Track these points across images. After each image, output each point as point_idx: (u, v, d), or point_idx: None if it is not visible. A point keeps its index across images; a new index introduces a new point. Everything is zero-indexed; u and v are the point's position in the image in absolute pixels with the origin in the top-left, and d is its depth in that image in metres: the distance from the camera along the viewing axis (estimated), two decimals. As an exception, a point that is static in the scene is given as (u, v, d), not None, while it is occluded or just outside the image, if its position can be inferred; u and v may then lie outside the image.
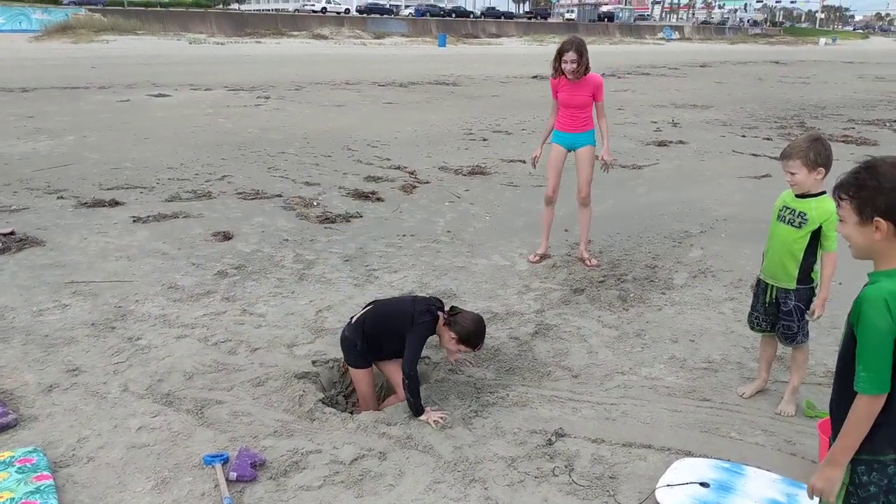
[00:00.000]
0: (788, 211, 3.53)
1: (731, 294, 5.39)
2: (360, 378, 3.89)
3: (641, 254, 6.31)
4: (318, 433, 3.50)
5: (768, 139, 12.72)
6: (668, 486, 2.98)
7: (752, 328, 3.86)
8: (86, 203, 7.53)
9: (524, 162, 10.20)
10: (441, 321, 3.71)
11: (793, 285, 3.57)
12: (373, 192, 8.21)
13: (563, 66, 5.67)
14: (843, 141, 12.53)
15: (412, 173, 9.38)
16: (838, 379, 2.13)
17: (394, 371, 3.80)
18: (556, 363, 4.24)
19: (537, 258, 6.07)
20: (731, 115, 15.85)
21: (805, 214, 3.45)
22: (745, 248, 6.46)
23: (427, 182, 8.92)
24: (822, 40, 67.49)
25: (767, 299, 3.68)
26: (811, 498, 2.13)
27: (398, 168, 9.70)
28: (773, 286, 3.64)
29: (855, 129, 14.01)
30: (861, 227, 2.00)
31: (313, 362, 4.24)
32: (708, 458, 3.28)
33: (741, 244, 6.61)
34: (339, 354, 4.19)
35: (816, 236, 3.45)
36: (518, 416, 3.66)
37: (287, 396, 3.83)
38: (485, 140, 12.09)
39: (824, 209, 3.39)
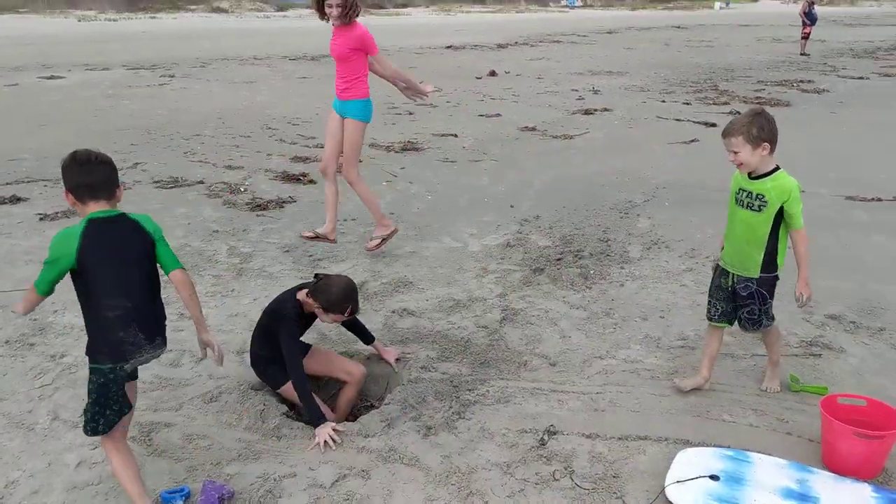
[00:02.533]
0: (745, 194, 3.26)
1: (688, 265, 5.32)
2: (291, 392, 3.47)
3: (591, 227, 6.17)
4: (289, 453, 3.15)
5: (687, 104, 12.91)
6: (677, 482, 2.81)
7: (710, 319, 3.53)
8: (-20, 201, 6.74)
9: (456, 136, 9.93)
10: (304, 295, 3.41)
11: (757, 273, 3.30)
12: (303, 174, 7.73)
13: (328, 10, 5.01)
14: (756, 103, 12.86)
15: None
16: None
17: (320, 361, 3.61)
18: (530, 351, 4.02)
19: (311, 234, 5.68)
20: (646, 81, 16.04)
21: (763, 196, 3.19)
22: (691, 216, 6.43)
23: (359, 161, 8.46)
24: (718, 4, 69.82)
25: (726, 286, 3.42)
26: None
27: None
28: (734, 274, 3.37)
29: (766, 91, 14.44)
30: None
31: (269, 370, 3.85)
32: (707, 446, 3.14)
33: (687, 212, 6.59)
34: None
35: (779, 218, 3.21)
36: (503, 414, 3.42)
37: (246, 412, 3.45)
38: (410, 114, 11.70)
39: (782, 188, 3.16)
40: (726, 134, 3.19)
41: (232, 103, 12.51)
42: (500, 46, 24.07)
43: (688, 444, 3.17)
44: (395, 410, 3.42)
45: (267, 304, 3.72)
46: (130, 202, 6.75)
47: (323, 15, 5.11)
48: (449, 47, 23.71)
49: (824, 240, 5.88)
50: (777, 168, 3.21)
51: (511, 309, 4.53)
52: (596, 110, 12.14)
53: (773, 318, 3.45)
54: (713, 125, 10.72)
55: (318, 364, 3.61)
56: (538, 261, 5.35)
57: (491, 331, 4.24)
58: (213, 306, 4.61)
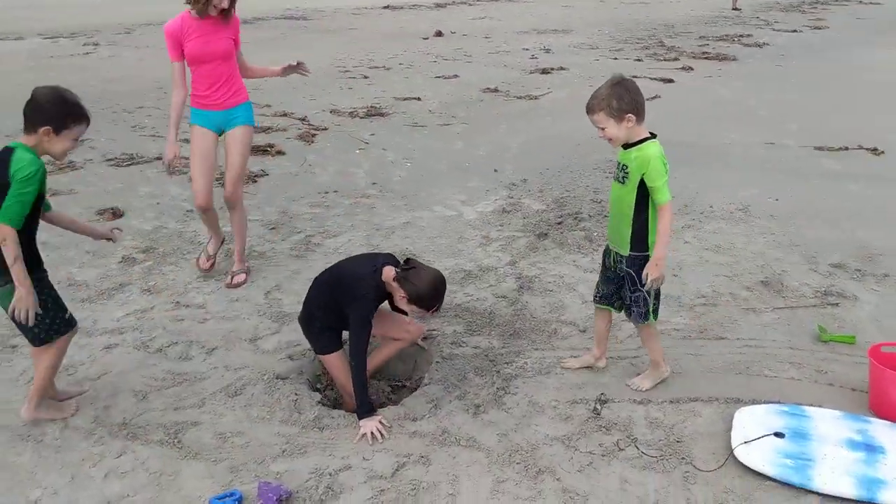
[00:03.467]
0: (618, 166, 3.05)
1: (685, 221, 5.32)
2: (334, 364, 3.33)
3: (580, 188, 6.10)
4: (336, 444, 2.97)
5: (639, 60, 12.94)
6: (744, 442, 2.78)
7: (593, 300, 3.36)
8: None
9: (419, 99, 9.66)
10: (392, 275, 3.08)
11: (626, 251, 3.05)
12: (269, 146, 7.35)
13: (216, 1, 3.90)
14: (704, 58, 13.03)
15: (303, 119, 8.54)
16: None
17: (378, 322, 3.26)
18: (556, 319, 3.94)
19: (209, 264, 4.52)
20: (594, 39, 15.99)
21: (626, 167, 2.95)
22: (675, 172, 6.40)
23: (325, 128, 8.15)
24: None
25: (609, 264, 3.21)
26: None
27: (284, 115, 8.79)
28: (613, 251, 3.15)
29: (710, 46, 14.61)
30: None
31: (290, 357, 3.64)
32: (759, 402, 3.13)
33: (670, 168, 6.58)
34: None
35: (645, 191, 2.92)
36: (548, 385, 3.32)
37: (277, 404, 3.24)
38: (366, 77, 11.32)
39: (643, 158, 2.89)
40: (588, 111, 2.94)
41: (170, 72, 11.80)
42: (439, 6, 23.54)
43: (739, 402, 3.16)
44: (438, 390, 3.28)
45: (337, 267, 3.41)
46: (88, 182, 6.33)
47: (205, 6, 3.91)
48: (387, 7, 23.06)
49: (805, 191, 6.00)
50: (648, 138, 2.94)
51: (525, 277, 4.42)
52: (552, 69, 12.02)
53: (651, 314, 3.12)
54: (670, 81, 10.81)
55: (377, 325, 3.27)
56: (539, 226, 5.25)
57: (511, 300, 4.13)
58: (209, 292, 4.33)
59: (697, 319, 3.89)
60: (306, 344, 3.69)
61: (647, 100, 3.10)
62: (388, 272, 3.10)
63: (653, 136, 2.97)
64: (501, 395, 3.24)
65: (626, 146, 2.98)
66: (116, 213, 5.55)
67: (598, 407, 3.13)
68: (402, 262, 3.18)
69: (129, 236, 5.11)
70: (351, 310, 3.09)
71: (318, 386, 3.59)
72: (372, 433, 2.95)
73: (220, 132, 4.29)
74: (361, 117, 8.73)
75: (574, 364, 3.44)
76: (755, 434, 2.83)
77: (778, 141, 7.55)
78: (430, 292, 3.05)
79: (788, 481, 2.63)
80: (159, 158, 6.99)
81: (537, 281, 4.37)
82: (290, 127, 8.18)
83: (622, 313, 3.28)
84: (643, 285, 3.02)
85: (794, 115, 8.67)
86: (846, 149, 7.19)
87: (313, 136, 7.83)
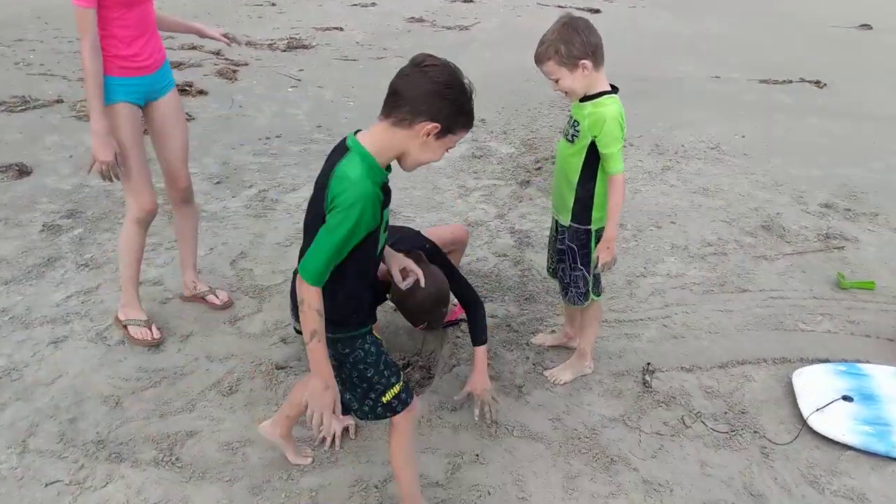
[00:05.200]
0: (569, 120, 2.56)
1: (662, 163, 5.12)
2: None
3: (545, 128, 5.76)
4: (372, 448, 2.56)
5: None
6: (816, 410, 2.62)
7: (547, 270, 3.00)
8: None
9: (342, 29, 8.88)
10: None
11: (566, 220, 2.61)
12: (188, 84, 6.46)
13: None
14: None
15: (217, 53, 7.62)
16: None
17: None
18: (568, 278, 3.63)
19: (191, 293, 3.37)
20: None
21: (578, 123, 2.46)
22: (634, 110, 6.19)
23: (245, 63, 7.31)
24: None
25: (552, 233, 2.81)
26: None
27: (193, 48, 7.81)
28: (554, 219, 2.73)
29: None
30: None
31: (283, 340, 3.15)
32: (805, 360, 3.00)
33: (628, 105, 6.33)
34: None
35: (595, 155, 2.45)
36: (585, 357, 3.03)
37: (285, 400, 2.76)
38: (273, 4, 10.33)
39: (597, 116, 2.39)
40: (536, 61, 2.45)
41: (73, 15, 10.28)
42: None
43: (787, 362, 3.00)
44: (469, 370, 2.91)
45: None
46: (-24, 135, 5.32)
47: None
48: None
49: (768, 126, 5.94)
50: (609, 91, 2.44)
51: (519, 231, 4.08)
52: (472, -3, 11.45)
53: (591, 293, 2.72)
54: (597, 11, 10.53)
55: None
56: (518, 172, 4.88)
57: (514, 259, 3.78)
58: (162, 264, 3.70)
59: (713, 271, 3.70)
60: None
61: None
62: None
63: (614, 89, 2.46)
64: (540, 372, 2.92)
65: (584, 98, 2.47)
66: (23, 171, 4.68)
67: (648, 379, 2.88)
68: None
69: (46, 198, 4.33)
70: None
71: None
72: (332, 437, 2.53)
73: (143, 105, 2.95)
74: (283, 50, 7.91)
75: (547, 341, 3.09)
76: (822, 399, 2.67)
77: (724, 74, 7.47)
78: (419, 307, 2.44)
79: (872, 450, 2.49)
80: (60, 101, 6.02)
81: (533, 235, 4.03)
82: (204, 62, 7.28)
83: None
84: (583, 264, 2.65)
85: (729, 48, 8.65)
86: (790, 81, 7.21)
87: (234, 72, 7.00)
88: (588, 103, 2.44)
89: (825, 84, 7.10)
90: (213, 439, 2.59)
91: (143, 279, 3.53)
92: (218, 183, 4.65)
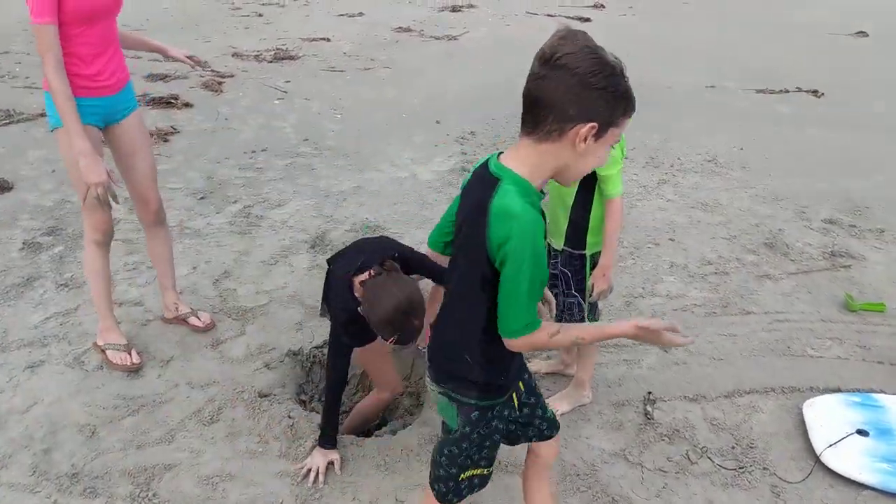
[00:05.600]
0: None
1: (658, 176, 5.00)
2: (361, 358, 2.66)
3: (538, 140, 5.62)
4: (360, 483, 2.41)
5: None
6: (830, 446, 2.49)
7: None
8: None
9: (328, 40, 8.75)
10: (359, 283, 2.26)
11: (560, 244, 2.49)
12: (173, 97, 6.32)
13: None
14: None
15: (203, 65, 7.46)
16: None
17: (370, 358, 2.64)
18: (565, 299, 3.49)
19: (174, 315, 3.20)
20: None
21: None
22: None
23: (231, 75, 7.15)
24: None
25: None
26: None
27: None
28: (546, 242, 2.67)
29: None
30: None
31: (267, 365, 3.00)
32: (815, 390, 2.86)
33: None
34: (292, 344, 3.06)
35: (593, 177, 2.31)
36: (584, 385, 2.89)
37: (269, 432, 2.62)
38: (260, 15, 10.19)
39: None
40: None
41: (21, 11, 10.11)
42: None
43: (796, 391, 2.87)
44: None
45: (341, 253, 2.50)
46: (-48, 147, 5.15)
47: None
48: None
49: (766, 138, 5.83)
50: None
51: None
52: (461, 7, 11.35)
53: (591, 318, 2.57)
54: (587, 20, 10.44)
55: (367, 359, 2.69)
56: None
57: (509, 278, 3.63)
58: (143, 284, 3.54)
59: (715, 291, 3.57)
60: (282, 348, 3.08)
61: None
62: (360, 278, 2.25)
63: None
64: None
65: None
66: (4, 186, 4.51)
67: (649, 409, 2.74)
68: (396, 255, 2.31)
69: (27, 215, 4.17)
70: (330, 332, 2.42)
71: (303, 397, 2.99)
72: (316, 472, 2.38)
73: (102, 127, 2.74)
74: (270, 61, 7.76)
75: (542, 368, 2.95)
76: (835, 434, 2.53)
77: (718, 83, 7.37)
78: (382, 317, 2.13)
79: (892, 490, 2.35)
80: (44, 115, 5.83)
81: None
82: (190, 74, 7.11)
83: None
84: (578, 290, 2.51)
85: (722, 56, 8.55)
86: (787, 91, 7.12)
87: (220, 84, 6.85)
88: None
89: (822, 94, 7.01)
90: (192, 473, 2.44)
91: (123, 299, 3.39)
92: (202, 198, 4.49)
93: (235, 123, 5.87)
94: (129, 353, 2.96)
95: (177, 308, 3.20)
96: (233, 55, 7.95)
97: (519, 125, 1.51)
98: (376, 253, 2.29)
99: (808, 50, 9.07)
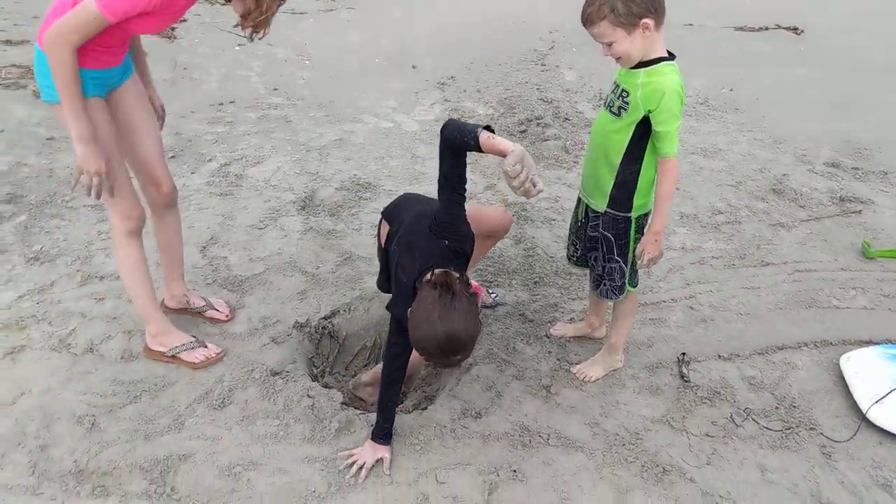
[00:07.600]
0: (613, 88, 2.20)
1: (652, 121, 4.83)
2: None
3: (521, 85, 5.38)
4: (398, 463, 2.25)
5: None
6: (877, 402, 2.42)
7: (567, 259, 2.64)
8: None
9: (289, -21, 8.19)
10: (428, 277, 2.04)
11: (602, 205, 2.30)
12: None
13: None
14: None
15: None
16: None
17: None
18: (578, 256, 3.34)
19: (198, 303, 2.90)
20: None
21: (627, 94, 2.10)
22: (609, 62, 5.88)
23: (183, 19, 6.63)
24: None
25: (578, 218, 2.47)
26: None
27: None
28: (585, 204, 2.40)
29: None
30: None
31: (274, 340, 2.77)
32: (848, 343, 2.80)
33: (600, 58, 6.01)
34: (298, 316, 2.85)
35: (645, 133, 2.12)
36: (613, 348, 2.76)
37: (289, 413, 2.42)
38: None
39: (655, 87, 2.04)
40: (586, 22, 2.07)
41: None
42: None
43: (829, 345, 2.79)
44: (490, 370, 2.61)
45: (414, 220, 2.25)
46: None
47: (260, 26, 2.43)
48: None
49: (753, 78, 5.71)
50: (666, 58, 2.09)
51: (514, 203, 3.75)
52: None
53: (627, 286, 2.42)
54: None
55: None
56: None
57: (516, 237, 3.45)
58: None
59: (730, 242, 3.46)
60: (287, 320, 2.85)
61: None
62: (428, 273, 2.02)
63: (671, 56, 2.10)
64: (567, 368, 2.64)
65: (636, 65, 2.09)
66: (-56, 149, 4.08)
67: (685, 371, 2.63)
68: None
69: (-25, 181, 3.78)
70: (391, 321, 2.22)
71: (314, 371, 2.79)
72: (361, 467, 2.20)
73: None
74: (222, 3, 7.18)
75: (567, 331, 2.79)
76: (879, 389, 2.47)
77: (696, 21, 7.19)
78: (423, 341, 1.91)
79: (942, 444, 2.30)
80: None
81: (531, 208, 3.71)
82: (140, 17, 6.57)
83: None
84: (620, 255, 2.35)
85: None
86: (766, 28, 6.99)
87: (173, 29, 6.36)
88: (641, 71, 2.08)
89: (802, 31, 6.91)
90: (211, 463, 2.23)
91: (102, 272, 3.10)
92: (172, 157, 4.14)
93: (196, 73, 5.46)
94: (206, 346, 2.66)
95: (187, 301, 2.87)
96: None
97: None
98: (433, 244, 2.09)
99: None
